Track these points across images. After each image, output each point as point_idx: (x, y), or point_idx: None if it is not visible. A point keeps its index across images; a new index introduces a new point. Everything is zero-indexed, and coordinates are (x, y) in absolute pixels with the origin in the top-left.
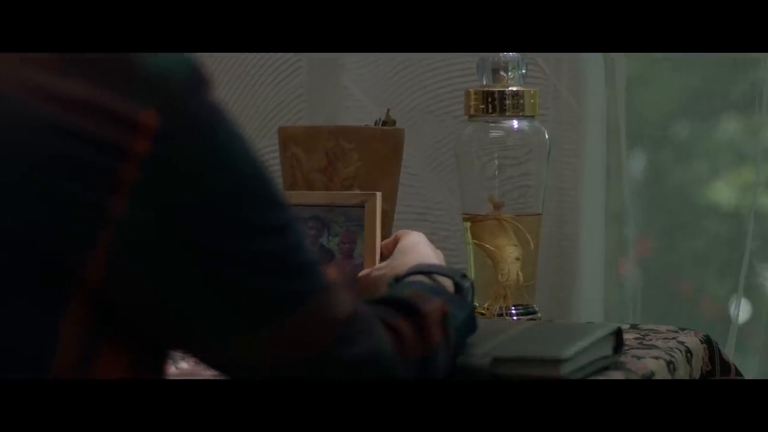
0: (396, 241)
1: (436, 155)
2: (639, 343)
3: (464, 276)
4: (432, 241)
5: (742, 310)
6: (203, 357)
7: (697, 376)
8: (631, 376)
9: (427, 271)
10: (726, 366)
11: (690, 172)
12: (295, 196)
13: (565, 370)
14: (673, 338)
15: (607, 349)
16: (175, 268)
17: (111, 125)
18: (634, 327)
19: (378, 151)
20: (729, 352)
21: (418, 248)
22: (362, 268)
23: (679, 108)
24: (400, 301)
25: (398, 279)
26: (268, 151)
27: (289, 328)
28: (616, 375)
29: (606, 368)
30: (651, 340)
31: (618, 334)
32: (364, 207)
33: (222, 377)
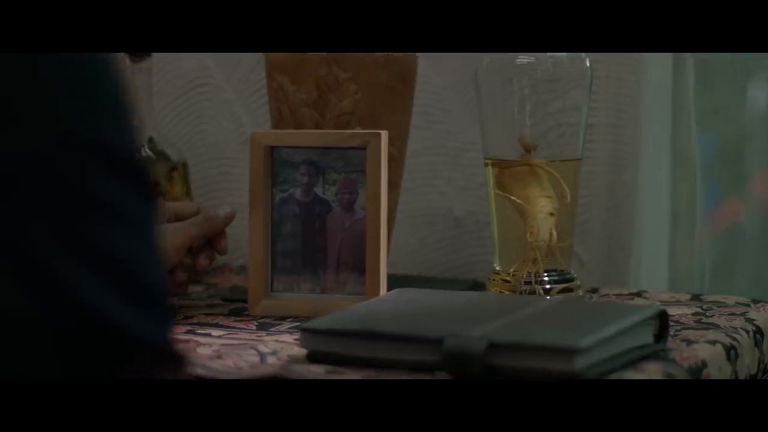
0: None
1: (470, 88)
2: (697, 321)
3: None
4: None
5: None
6: None
7: None
8: (672, 370)
9: None
10: None
11: None
12: (283, 136)
13: (582, 364)
14: (742, 314)
15: (646, 336)
16: None
17: None
18: (696, 298)
19: (382, 81)
20: None
21: None
22: (364, 224)
23: None
24: None
25: None
26: (261, 86)
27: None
28: (653, 368)
29: (643, 358)
30: (713, 316)
31: (662, 317)
32: (366, 149)
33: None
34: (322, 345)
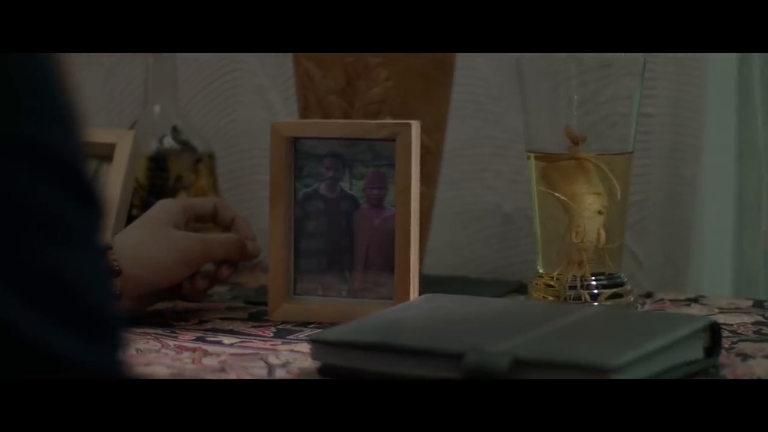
0: None
1: None
2: (756, 332)
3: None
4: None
5: None
6: None
7: None
8: None
9: None
10: None
11: None
12: (305, 127)
13: None
14: None
15: (695, 351)
16: None
17: None
18: (758, 305)
19: (416, 68)
20: None
21: None
22: (393, 223)
23: None
24: None
25: None
26: (289, 76)
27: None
28: None
29: (690, 376)
30: None
31: (714, 329)
32: (395, 141)
33: None
34: (335, 358)
